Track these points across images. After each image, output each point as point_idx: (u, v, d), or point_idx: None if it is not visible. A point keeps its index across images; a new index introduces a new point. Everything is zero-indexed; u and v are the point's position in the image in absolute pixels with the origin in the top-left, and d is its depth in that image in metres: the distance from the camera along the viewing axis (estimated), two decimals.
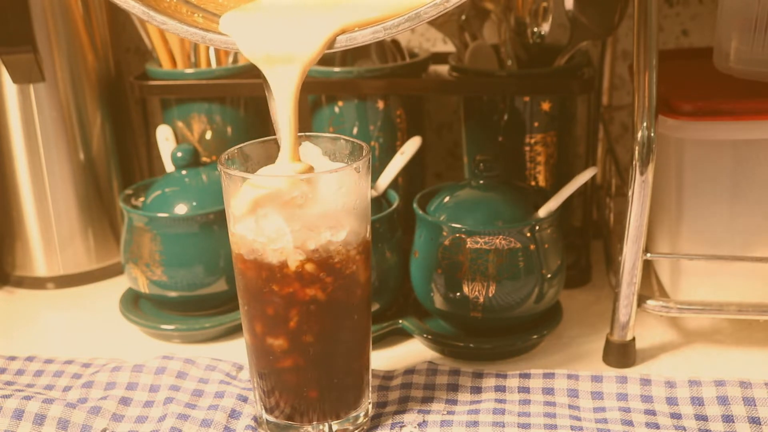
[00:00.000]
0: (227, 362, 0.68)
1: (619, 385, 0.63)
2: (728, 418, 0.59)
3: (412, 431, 0.60)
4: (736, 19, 0.69)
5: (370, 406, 0.61)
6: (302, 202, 0.53)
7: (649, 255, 0.66)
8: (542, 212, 0.69)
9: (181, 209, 0.74)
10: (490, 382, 0.65)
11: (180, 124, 0.86)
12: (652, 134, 0.62)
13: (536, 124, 0.80)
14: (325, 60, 0.82)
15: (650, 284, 0.75)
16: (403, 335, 0.73)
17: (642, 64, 0.62)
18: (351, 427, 0.60)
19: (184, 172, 0.77)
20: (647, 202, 0.63)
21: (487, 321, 0.69)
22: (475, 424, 0.59)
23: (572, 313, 0.76)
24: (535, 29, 0.81)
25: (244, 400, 0.63)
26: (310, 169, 0.55)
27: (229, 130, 0.86)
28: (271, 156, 0.59)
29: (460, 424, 0.60)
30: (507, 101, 0.80)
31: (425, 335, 0.71)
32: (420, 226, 0.71)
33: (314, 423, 0.59)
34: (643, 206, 0.63)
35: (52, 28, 0.81)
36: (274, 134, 0.58)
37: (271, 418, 0.59)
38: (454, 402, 0.63)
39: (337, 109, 0.82)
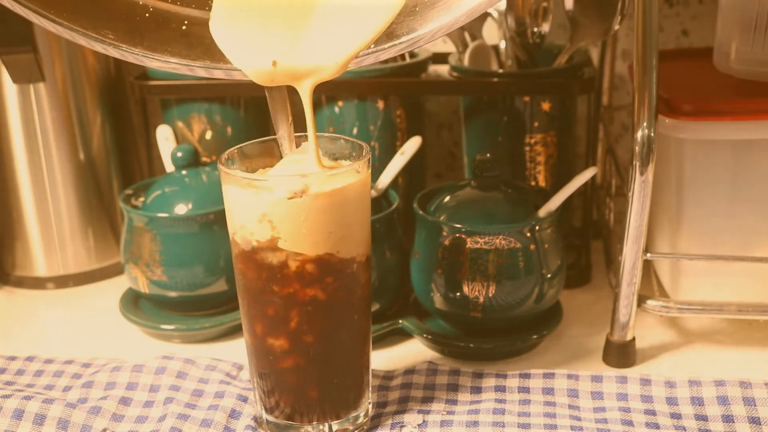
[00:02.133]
0: (227, 362, 0.68)
1: (619, 385, 0.63)
2: (728, 418, 0.59)
3: (412, 431, 0.60)
4: (736, 19, 0.69)
5: (370, 406, 0.61)
6: (302, 202, 0.53)
7: (649, 255, 0.66)
8: (542, 212, 0.69)
9: (181, 209, 0.74)
10: (490, 382, 0.65)
11: (180, 124, 0.86)
12: (652, 134, 0.62)
13: (536, 124, 0.80)
14: None
15: (650, 284, 0.75)
16: (403, 335, 0.73)
17: (642, 64, 0.62)
18: (351, 427, 0.60)
19: (184, 172, 0.77)
20: (647, 202, 0.63)
21: (487, 321, 0.69)
22: (475, 424, 0.59)
23: (572, 313, 0.76)
24: (535, 29, 0.81)
25: (244, 400, 0.63)
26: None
27: (229, 130, 0.86)
28: (271, 156, 0.59)
29: (460, 424, 0.60)
30: (507, 101, 0.80)
31: (425, 335, 0.71)
32: (420, 226, 0.71)
33: (314, 423, 0.59)
34: (643, 206, 0.63)
35: None
36: (274, 134, 0.58)
37: (271, 418, 0.59)
38: (454, 402, 0.63)
39: (337, 109, 0.82)
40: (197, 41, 0.55)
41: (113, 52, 0.54)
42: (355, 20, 0.52)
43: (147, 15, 0.55)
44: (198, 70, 0.55)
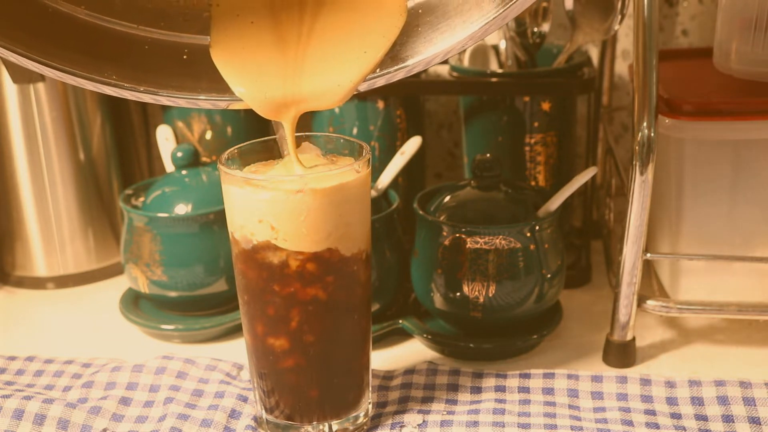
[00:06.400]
0: (227, 362, 0.68)
1: (619, 385, 0.63)
2: (728, 418, 0.59)
3: (412, 431, 0.60)
4: (736, 19, 0.69)
5: (370, 406, 0.61)
6: (302, 201, 0.53)
7: (649, 255, 0.66)
8: (542, 212, 0.69)
9: (181, 209, 0.74)
10: (490, 382, 0.65)
11: (180, 124, 0.86)
12: (652, 134, 0.62)
13: (536, 124, 0.80)
14: None
15: (650, 284, 0.75)
16: (403, 335, 0.73)
17: (642, 64, 0.62)
18: (351, 427, 0.60)
19: (184, 172, 0.77)
20: (647, 202, 0.63)
21: (487, 321, 0.69)
22: (475, 424, 0.59)
23: (572, 313, 0.76)
24: (535, 29, 0.81)
25: (244, 400, 0.63)
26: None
27: (229, 130, 0.86)
28: (271, 156, 0.59)
29: (460, 424, 0.60)
30: (507, 101, 0.80)
31: (425, 335, 0.71)
32: (420, 226, 0.71)
33: (314, 423, 0.59)
34: (643, 206, 0.63)
35: None
36: (274, 134, 0.58)
37: (271, 418, 0.59)
38: (454, 402, 0.63)
39: (337, 109, 0.82)
40: (202, 72, 0.54)
41: (126, 94, 0.52)
42: (356, 45, 0.52)
43: (147, 47, 0.55)
44: (205, 103, 0.55)
